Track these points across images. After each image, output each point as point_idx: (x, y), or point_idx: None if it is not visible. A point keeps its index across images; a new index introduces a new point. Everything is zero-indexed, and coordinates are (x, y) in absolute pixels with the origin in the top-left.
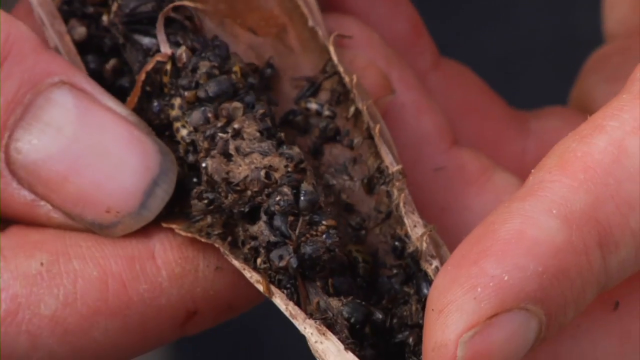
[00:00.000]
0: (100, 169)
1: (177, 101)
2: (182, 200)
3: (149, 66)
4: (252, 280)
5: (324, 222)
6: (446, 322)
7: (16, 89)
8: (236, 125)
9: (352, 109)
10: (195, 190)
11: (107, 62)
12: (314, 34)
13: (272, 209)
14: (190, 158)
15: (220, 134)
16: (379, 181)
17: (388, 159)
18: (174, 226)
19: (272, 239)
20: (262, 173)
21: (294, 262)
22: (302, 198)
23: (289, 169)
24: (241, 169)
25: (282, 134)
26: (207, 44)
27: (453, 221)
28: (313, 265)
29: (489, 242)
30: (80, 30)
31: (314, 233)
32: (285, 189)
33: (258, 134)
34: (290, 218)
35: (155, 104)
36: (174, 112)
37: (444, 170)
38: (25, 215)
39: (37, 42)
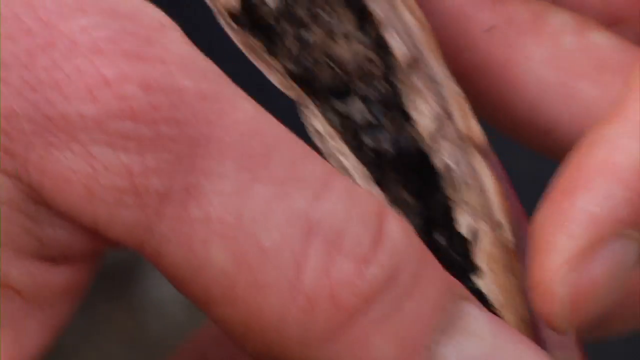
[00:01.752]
0: None
1: None
2: None
3: None
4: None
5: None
6: (543, 262)
7: (435, 295)
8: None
9: None
10: (288, 56)
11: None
12: None
13: (370, 96)
14: (285, 27)
15: (324, 17)
16: None
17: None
18: None
19: (374, 121)
20: (365, 62)
21: (390, 148)
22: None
23: (385, 69)
24: (343, 51)
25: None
26: None
27: (518, 74)
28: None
29: (578, 174)
30: None
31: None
32: (384, 82)
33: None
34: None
35: None
36: None
37: (495, 28)
38: None
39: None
